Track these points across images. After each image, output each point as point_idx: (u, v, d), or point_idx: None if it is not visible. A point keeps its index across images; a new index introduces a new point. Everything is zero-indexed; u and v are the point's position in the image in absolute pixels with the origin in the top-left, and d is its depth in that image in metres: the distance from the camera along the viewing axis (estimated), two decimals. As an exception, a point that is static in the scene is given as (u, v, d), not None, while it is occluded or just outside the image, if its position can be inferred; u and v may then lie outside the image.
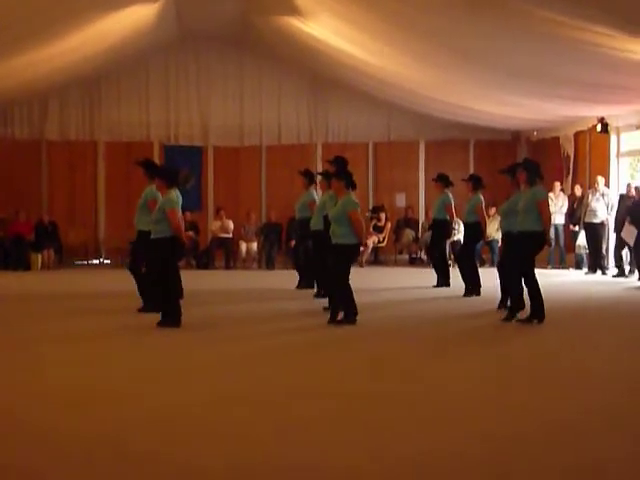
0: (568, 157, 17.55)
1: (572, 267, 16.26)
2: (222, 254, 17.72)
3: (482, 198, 12.10)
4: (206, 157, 19.05)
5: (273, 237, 17.88)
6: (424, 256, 18.00)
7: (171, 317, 8.60)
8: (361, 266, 17.17)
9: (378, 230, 18.20)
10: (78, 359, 7.14)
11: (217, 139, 19.02)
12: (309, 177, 12.19)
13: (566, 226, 16.58)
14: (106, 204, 18.80)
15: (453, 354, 7.51)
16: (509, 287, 9.51)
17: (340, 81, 18.47)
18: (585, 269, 15.77)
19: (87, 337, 8.29)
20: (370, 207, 18.56)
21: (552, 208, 16.36)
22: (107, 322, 9.36)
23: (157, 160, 18.78)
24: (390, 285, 13.55)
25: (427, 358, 7.31)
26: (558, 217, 16.53)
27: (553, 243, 15.31)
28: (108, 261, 18.35)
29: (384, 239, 18.34)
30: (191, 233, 17.57)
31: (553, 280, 14.24)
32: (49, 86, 17.79)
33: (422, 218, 18.71)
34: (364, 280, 13.15)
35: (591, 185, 15.89)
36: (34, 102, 18.55)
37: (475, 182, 12.12)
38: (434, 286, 12.91)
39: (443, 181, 12.88)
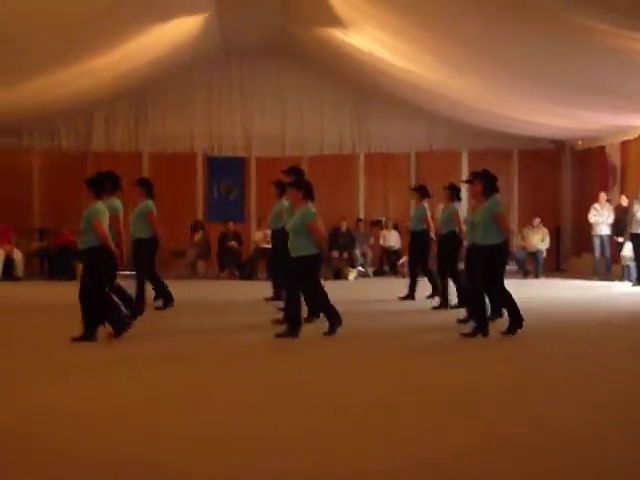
0: (614, 167, 17.31)
1: (618, 279, 15.98)
2: (265, 265, 17.71)
3: (427, 207, 12.41)
4: (248, 168, 19.12)
5: (315, 247, 17.84)
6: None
7: (88, 331, 8.42)
8: (403, 277, 17.08)
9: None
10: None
11: (259, 150, 19.08)
12: (281, 188, 11.80)
13: (612, 237, 16.34)
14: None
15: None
16: (496, 302, 9.23)
17: (382, 91, 18.43)
18: (632, 281, 15.47)
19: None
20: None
21: (598, 219, 16.26)
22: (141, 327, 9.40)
23: (201, 170, 19.00)
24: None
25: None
26: (604, 228, 16.32)
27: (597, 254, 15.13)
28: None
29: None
30: (233, 243, 17.67)
31: (599, 292, 14.06)
32: (95, 98, 17.99)
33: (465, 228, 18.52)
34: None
35: (638, 195, 15.62)
36: (80, 114, 18.78)
37: (452, 192, 11.85)
38: (428, 297, 12.58)
39: (420, 192, 12.75)
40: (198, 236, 17.90)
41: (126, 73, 16.34)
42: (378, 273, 18.19)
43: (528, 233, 17.82)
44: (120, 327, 8.51)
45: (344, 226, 17.89)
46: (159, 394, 6.16)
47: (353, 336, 8.99)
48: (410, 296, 12.70)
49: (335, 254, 17.66)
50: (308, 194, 8.99)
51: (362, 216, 18.95)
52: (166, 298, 11.42)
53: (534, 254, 17.58)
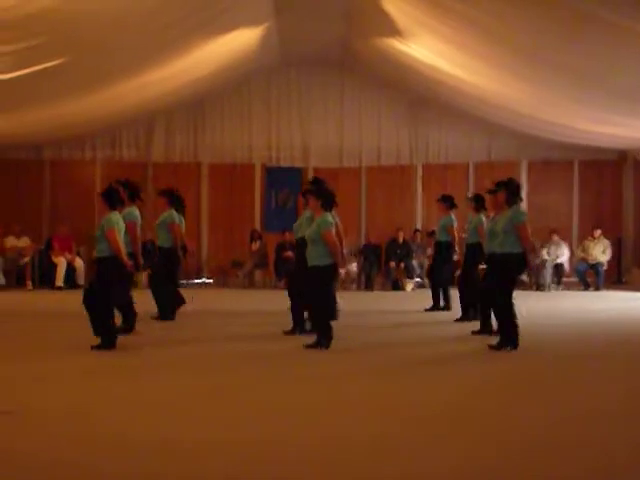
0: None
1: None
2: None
3: (454, 218, 12.20)
4: (306, 178, 19.17)
5: (372, 258, 17.87)
6: (526, 278, 17.70)
7: (106, 339, 8.44)
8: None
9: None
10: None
11: (317, 160, 19.16)
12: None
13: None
14: (209, 224, 19.14)
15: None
16: (497, 314, 8.88)
17: (440, 101, 18.39)
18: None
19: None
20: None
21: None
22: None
23: (259, 181, 19.13)
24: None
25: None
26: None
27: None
28: (210, 281, 18.59)
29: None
30: (290, 253, 17.73)
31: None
32: (155, 109, 18.30)
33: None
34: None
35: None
36: (141, 125, 19.09)
37: (477, 202, 11.53)
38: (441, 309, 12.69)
39: (447, 202, 12.58)
40: (256, 246, 18.04)
41: (186, 84, 16.58)
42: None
43: (589, 245, 17.57)
44: (106, 343, 8.43)
45: (401, 237, 17.83)
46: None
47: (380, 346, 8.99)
48: (446, 307, 12.75)
49: (392, 265, 17.62)
50: (326, 203, 8.87)
51: (419, 227, 18.87)
52: (168, 311, 11.22)
53: (595, 266, 17.31)
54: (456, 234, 12.38)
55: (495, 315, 8.89)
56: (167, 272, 11.17)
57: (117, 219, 8.73)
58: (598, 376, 7.35)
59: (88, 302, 8.50)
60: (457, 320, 11.26)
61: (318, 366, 7.79)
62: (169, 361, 8.04)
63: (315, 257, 8.69)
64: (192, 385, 6.77)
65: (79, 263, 17.39)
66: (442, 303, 12.74)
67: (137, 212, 10.22)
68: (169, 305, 11.13)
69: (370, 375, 7.34)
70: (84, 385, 6.77)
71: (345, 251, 11.00)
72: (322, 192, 8.98)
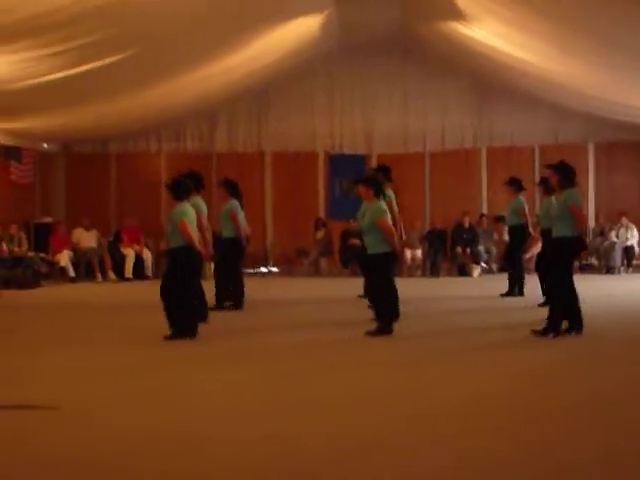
0: None
1: None
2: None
3: (523, 200, 12.33)
4: (370, 165, 19.10)
5: (438, 244, 17.74)
6: (595, 261, 17.44)
7: (180, 329, 8.54)
8: (528, 273, 16.77)
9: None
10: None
11: (381, 147, 19.05)
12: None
13: None
14: (273, 213, 19.22)
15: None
16: (559, 298, 8.67)
17: (504, 84, 18.15)
18: None
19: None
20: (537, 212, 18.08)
21: None
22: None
23: (322, 168, 19.14)
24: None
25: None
26: None
27: None
28: (276, 269, 18.68)
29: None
30: (355, 241, 17.68)
31: None
32: (219, 100, 18.42)
33: (592, 223, 18.01)
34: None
35: None
36: (204, 116, 19.24)
37: (515, 185, 12.31)
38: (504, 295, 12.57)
39: (514, 185, 12.48)
40: (320, 234, 18.07)
41: (248, 74, 16.66)
42: (503, 269, 17.87)
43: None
44: (179, 332, 8.55)
45: (467, 222, 17.68)
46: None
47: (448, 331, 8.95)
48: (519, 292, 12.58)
49: (458, 250, 17.48)
50: (377, 191, 8.88)
51: (485, 211, 18.66)
52: (235, 300, 11.33)
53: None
54: (528, 216, 12.27)
55: (558, 300, 8.73)
56: (232, 262, 11.25)
57: (186, 210, 8.80)
58: None
59: (165, 294, 8.61)
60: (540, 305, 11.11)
61: (372, 353, 7.90)
62: (227, 352, 8.15)
63: (372, 245, 8.80)
64: (237, 377, 6.80)
65: (147, 254, 17.64)
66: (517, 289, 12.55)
67: (202, 202, 10.29)
68: (238, 294, 11.23)
69: (426, 361, 7.42)
70: (153, 375, 6.88)
71: (404, 236, 11.00)
72: (371, 180, 9.08)
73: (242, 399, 5.88)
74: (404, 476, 4.14)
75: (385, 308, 8.82)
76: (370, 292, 9.28)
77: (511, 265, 12.81)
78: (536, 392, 5.99)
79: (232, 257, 11.21)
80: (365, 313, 9.87)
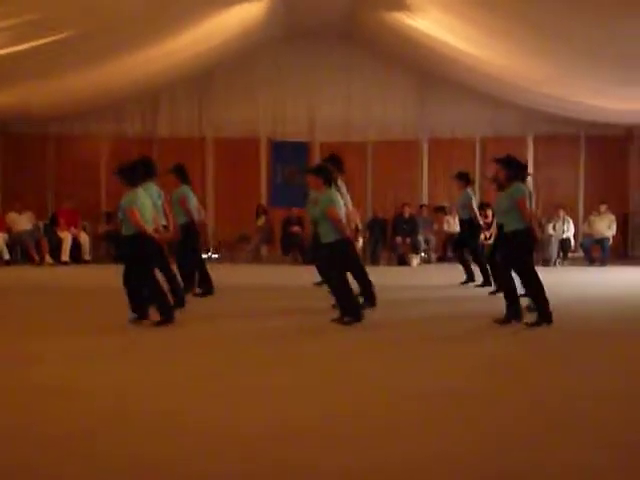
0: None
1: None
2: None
3: (471, 193, 12.55)
4: (312, 153, 19.14)
5: (378, 233, 17.85)
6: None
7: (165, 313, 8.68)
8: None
9: (486, 227, 17.89)
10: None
11: (323, 135, 19.07)
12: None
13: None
14: (215, 199, 19.12)
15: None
16: (528, 291, 8.99)
17: (447, 76, 18.30)
18: None
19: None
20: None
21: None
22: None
23: (264, 155, 19.09)
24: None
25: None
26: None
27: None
28: (216, 256, 18.61)
29: (491, 235, 18.03)
30: (297, 228, 17.74)
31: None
32: (160, 83, 18.24)
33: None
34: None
35: None
36: (146, 99, 19.01)
37: (464, 179, 12.59)
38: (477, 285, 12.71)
39: (463, 179, 12.72)
40: (261, 221, 18.03)
41: (191, 57, 16.53)
42: (442, 259, 18.11)
43: (594, 220, 17.54)
44: (166, 317, 8.62)
45: (407, 212, 17.82)
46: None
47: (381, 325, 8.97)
48: (470, 279, 12.95)
49: (398, 240, 17.61)
50: (327, 179, 8.87)
51: (425, 202, 18.85)
52: (203, 286, 11.38)
53: (600, 241, 17.29)
54: (475, 209, 12.44)
55: (527, 293, 8.99)
56: (191, 247, 11.18)
57: (137, 196, 8.69)
58: (595, 354, 7.29)
59: (126, 282, 8.63)
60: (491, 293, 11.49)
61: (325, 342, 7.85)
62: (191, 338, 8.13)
63: (325, 234, 8.81)
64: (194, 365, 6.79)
65: (85, 238, 17.40)
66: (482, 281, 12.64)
67: (156, 188, 10.22)
68: (205, 279, 11.31)
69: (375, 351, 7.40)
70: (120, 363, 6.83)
71: (359, 225, 11.04)
72: (320, 169, 9.04)
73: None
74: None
75: (345, 296, 8.85)
76: (329, 282, 9.28)
77: (460, 257, 13.06)
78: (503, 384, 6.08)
79: (189, 242, 11.12)
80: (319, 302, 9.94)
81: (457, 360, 6.86)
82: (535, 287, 8.69)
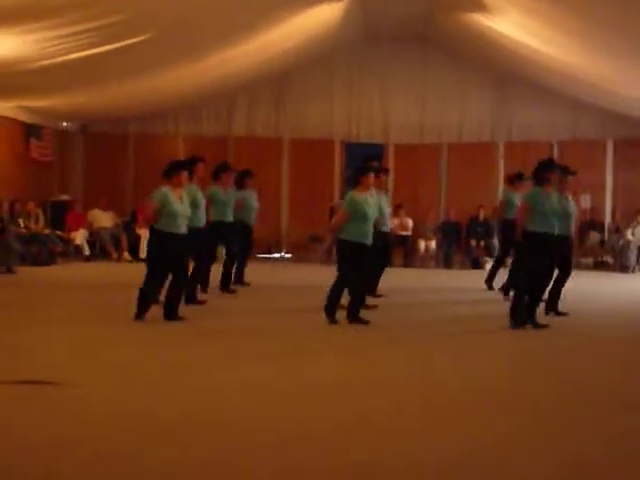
0: None
1: None
2: (401, 251, 17.74)
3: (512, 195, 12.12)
4: (386, 154, 19.17)
5: (452, 236, 17.81)
6: (610, 259, 17.44)
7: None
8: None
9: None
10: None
11: (398, 137, 19.11)
12: None
13: None
14: (289, 199, 19.31)
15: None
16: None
17: (524, 77, 18.14)
18: None
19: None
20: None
21: None
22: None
23: (338, 156, 19.21)
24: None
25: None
26: None
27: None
28: (289, 255, 18.81)
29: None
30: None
31: None
32: (238, 84, 18.50)
33: (608, 220, 18.05)
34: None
35: None
36: (223, 100, 19.31)
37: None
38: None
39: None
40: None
41: (269, 59, 16.76)
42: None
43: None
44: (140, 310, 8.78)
45: (482, 215, 17.72)
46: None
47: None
48: None
49: (472, 243, 17.54)
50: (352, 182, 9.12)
51: (501, 205, 18.67)
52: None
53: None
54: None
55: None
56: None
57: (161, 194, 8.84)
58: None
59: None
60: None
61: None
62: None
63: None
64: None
65: (144, 234, 17.70)
66: None
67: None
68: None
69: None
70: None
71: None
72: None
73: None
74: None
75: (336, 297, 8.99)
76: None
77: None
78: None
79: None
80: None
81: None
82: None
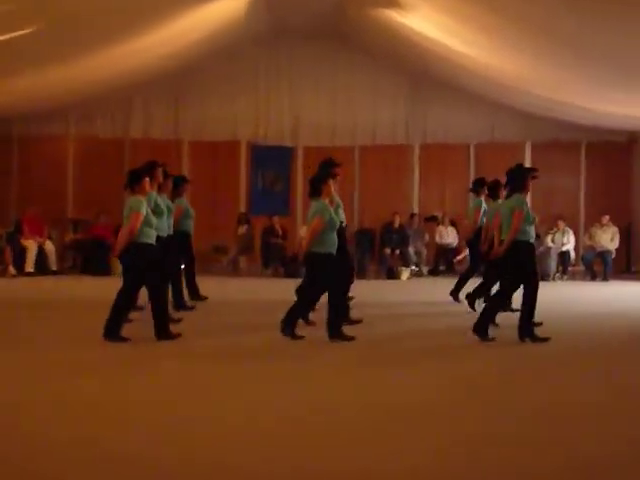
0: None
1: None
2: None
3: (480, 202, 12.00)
4: (296, 158, 18.89)
5: (365, 244, 17.61)
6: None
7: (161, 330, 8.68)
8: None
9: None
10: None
11: (308, 139, 18.84)
12: None
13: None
14: (191, 206, 18.76)
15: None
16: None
17: (440, 78, 18.12)
18: None
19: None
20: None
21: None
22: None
23: (244, 160, 18.83)
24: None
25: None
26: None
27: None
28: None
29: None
30: (278, 239, 17.44)
31: None
32: (134, 83, 17.96)
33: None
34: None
35: None
36: (118, 99, 18.75)
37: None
38: None
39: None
40: (242, 230, 17.69)
41: (168, 55, 16.31)
42: (433, 272, 17.86)
43: (596, 232, 17.38)
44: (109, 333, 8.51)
45: (397, 222, 17.59)
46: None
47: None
48: None
49: (387, 251, 17.36)
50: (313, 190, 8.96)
51: (416, 211, 18.61)
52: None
53: (602, 254, 17.12)
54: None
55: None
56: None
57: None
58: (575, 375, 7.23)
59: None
60: None
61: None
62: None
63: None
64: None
65: (51, 247, 17.04)
66: None
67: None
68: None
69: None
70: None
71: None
72: (313, 179, 9.12)
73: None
74: None
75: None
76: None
77: None
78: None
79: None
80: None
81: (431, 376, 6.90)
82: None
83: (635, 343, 9.19)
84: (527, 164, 18.28)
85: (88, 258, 17.33)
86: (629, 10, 9.98)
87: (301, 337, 8.69)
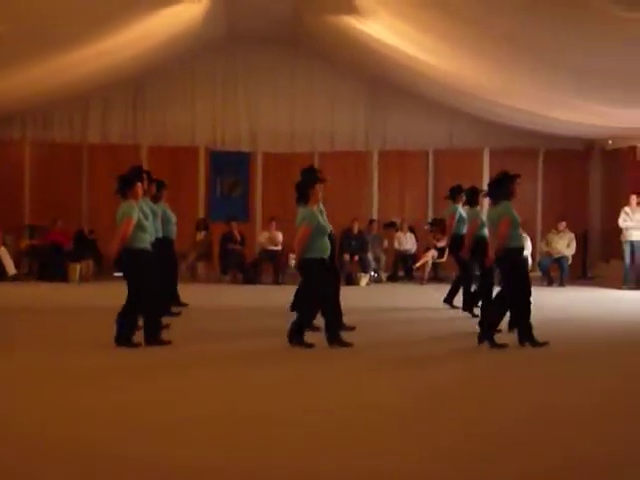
0: (647, 167, 17.22)
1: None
2: (270, 268, 17.66)
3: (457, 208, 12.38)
4: (254, 164, 19.10)
5: (325, 250, 17.81)
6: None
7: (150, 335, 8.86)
8: (421, 284, 17.11)
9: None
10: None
11: (266, 145, 19.06)
12: None
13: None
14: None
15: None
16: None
17: (399, 85, 18.40)
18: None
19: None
20: (429, 219, 18.43)
21: (629, 223, 16.22)
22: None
23: (203, 165, 18.98)
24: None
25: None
26: (635, 233, 16.29)
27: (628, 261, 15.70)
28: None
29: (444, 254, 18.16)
30: (236, 245, 17.60)
31: (629, 303, 13.99)
32: (91, 87, 18.02)
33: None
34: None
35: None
36: (75, 104, 18.80)
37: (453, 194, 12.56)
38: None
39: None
40: (200, 236, 17.86)
41: (125, 60, 16.36)
42: (392, 278, 18.15)
43: (553, 238, 17.74)
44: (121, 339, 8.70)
45: (356, 228, 17.81)
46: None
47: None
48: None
49: (346, 258, 17.59)
50: (300, 197, 9.36)
51: (375, 217, 18.89)
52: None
53: (559, 260, 17.52)
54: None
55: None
56: None
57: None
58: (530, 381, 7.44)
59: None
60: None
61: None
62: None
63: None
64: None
65: (5, 253, 17.04)
66: None
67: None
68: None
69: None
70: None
71: None
72: (299, 185, 9.64)
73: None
74: None
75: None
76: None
77: None
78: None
79: None
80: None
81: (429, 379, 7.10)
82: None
83: (598, 347, 9.51)
84: (485, 171, 18.79)
85: (45, 264, 17.36)
86: (586, 14, 10.25)
87: (311, 345, 8.85)
